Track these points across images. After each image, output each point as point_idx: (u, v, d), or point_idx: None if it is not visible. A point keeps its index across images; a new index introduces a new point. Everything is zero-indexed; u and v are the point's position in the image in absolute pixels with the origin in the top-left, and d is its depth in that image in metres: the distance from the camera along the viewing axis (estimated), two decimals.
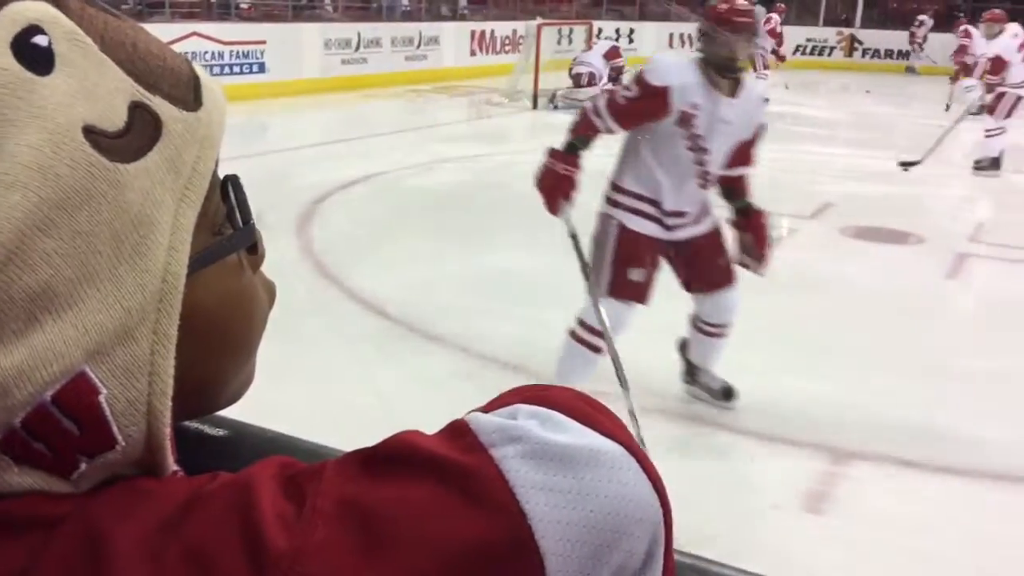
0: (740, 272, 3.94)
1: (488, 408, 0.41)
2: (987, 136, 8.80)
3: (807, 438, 3.28)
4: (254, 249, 0.45)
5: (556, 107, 12.37)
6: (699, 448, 3.25)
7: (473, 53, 16.57)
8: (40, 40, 0.35)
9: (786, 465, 3.14)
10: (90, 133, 0.35)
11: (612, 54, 12.84)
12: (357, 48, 13.71)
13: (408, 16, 16.41)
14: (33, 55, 0.35)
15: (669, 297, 4.75)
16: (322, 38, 13.25)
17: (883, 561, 2.63)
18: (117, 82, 0.37)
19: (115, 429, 0.37)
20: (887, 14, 21.93)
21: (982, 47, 12.88)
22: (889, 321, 4.55)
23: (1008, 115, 8.69)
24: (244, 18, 13.55)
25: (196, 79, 0.41)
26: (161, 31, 11.69)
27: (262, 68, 12.32)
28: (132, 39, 0.39)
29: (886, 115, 12.88)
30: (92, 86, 0.36)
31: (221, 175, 0.45)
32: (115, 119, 0.36)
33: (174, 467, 0.40)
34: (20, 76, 0.34)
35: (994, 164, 8.75)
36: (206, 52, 11.61)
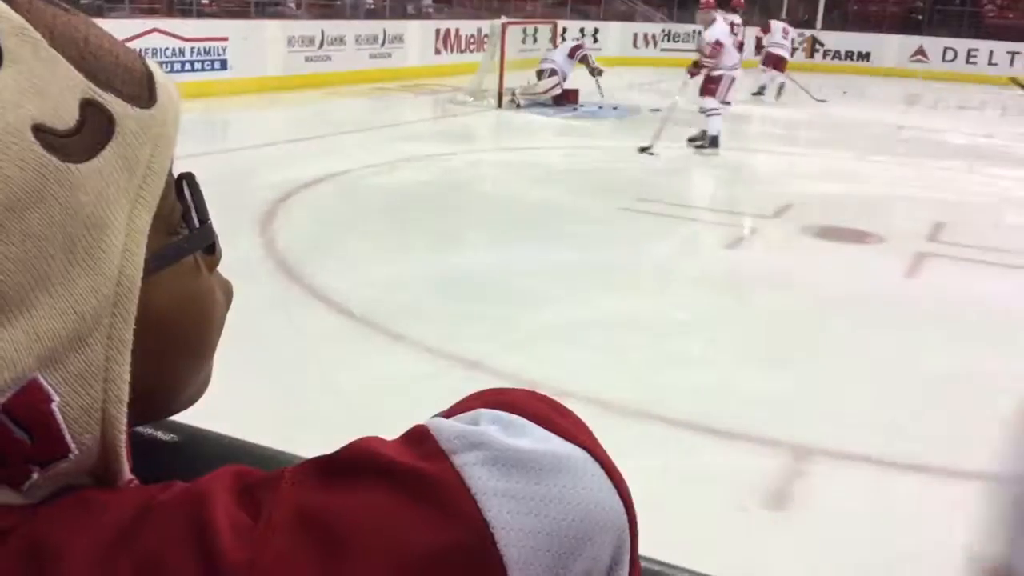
0: (705, 274, 3.99)
1: (450, 413, 0.40)
2: (708, 116, 9.40)
3: (768, 435, 3.31)
4: (211, 249, 0.44)
5: (519, 105, 12.39)
6: (658, 445, 3.27)
7: (438, 52, 16.52)
8: None
9: (747, 463, 3.17)
10: (40, 132, 0.34)
11: (574, 52, 12.92)
12: (321, 45, 13.62)
13: (372, 14, 16.32)
14: None
15: (609, 325, 4.77)
16: (285, 35, 13.14)
17: (846, 558, 2.66)
18: (68, 79, 0.36)
19: (68, 437, 0.36)
20: (848, 16, 22.19)
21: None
22: (850, 319, 4.61)
23: (725, 95, 9.43)
24: (205, 14, 13.38)
25: (150, 75, 0.40)
26: (120, 27, 11.55)
27: (224, 65, 12.19)
28: (84, 34, 0.38)
29: (846, 116, 13.03)
30: (42, 83, 0.35)
31: (177, 173, 0.44)
32: (66, 117, 0.35)
33: (129, 475, 0.39)
34: None
35: (713, 143, 9.29)
36: (167, 49, 11.46)
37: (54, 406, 0.35)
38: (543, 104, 12.49)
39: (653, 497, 3.10)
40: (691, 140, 9.48)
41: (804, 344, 4.25)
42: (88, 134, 0.36)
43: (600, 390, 3.62)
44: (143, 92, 0.39)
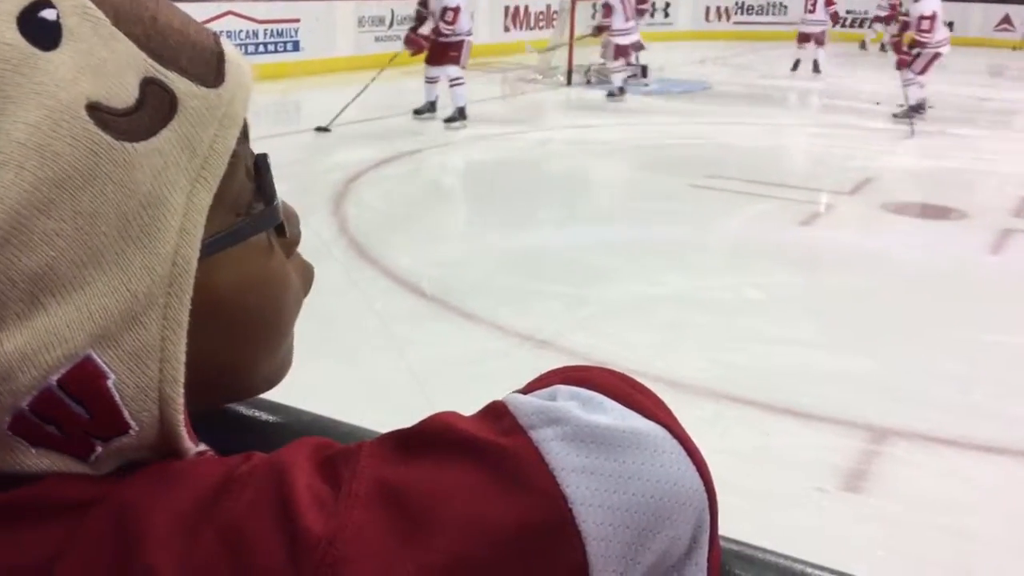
0: (779, 251, 3.91)
1: (528, 389, 0.40)
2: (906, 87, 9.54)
3: (845, 416, 3.24)
4: (281, 231, 0.43)
5: (590, 82, 12.28)
6: (734, 425, 3.23)
7: (507, 29, 16.47)
8: (48, 14, 0.34)
9: (823, 443, 3.11)
10: (95, 110, 0.34)
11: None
12: (391, 25, 13.69)
13: None
14: (39, 29, 0.34)
15: (680, 303, 4.73)
16: (356, 16, 13.24)
17: (921, 540, 2.60)
18: (129, 57, 0.36)
19: (126, 414, 0.36)
20: None
21: None
22: (930, 298, 4.48)
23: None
24: None
25: (220, 54, 0.40)
26: (196, 10, 11.73)
27: (296, 46, 12.34)
28: (152, 13, 0.38)
29: (928, 88, 12.62)
30: (100, 62, 0.35)
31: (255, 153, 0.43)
32: (124, 96, 0.35)
33: (198, 449, 0.39)
34: (24, 51, 0.33)
35: (916, 110, 9.49)
36: (241, 31, 11.65)
37: (110, 383, 0.35)
38: (605, 80, 12.35)
39: (726, 477, 3.07)
40: (896, 116, 9.60)
41: (882, 323, 4.15)
42: (148, 113, 0.35)
43: (671, 369, 3.59)
44: (211, 71, 0.39)
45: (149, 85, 0.36)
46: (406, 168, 7.24)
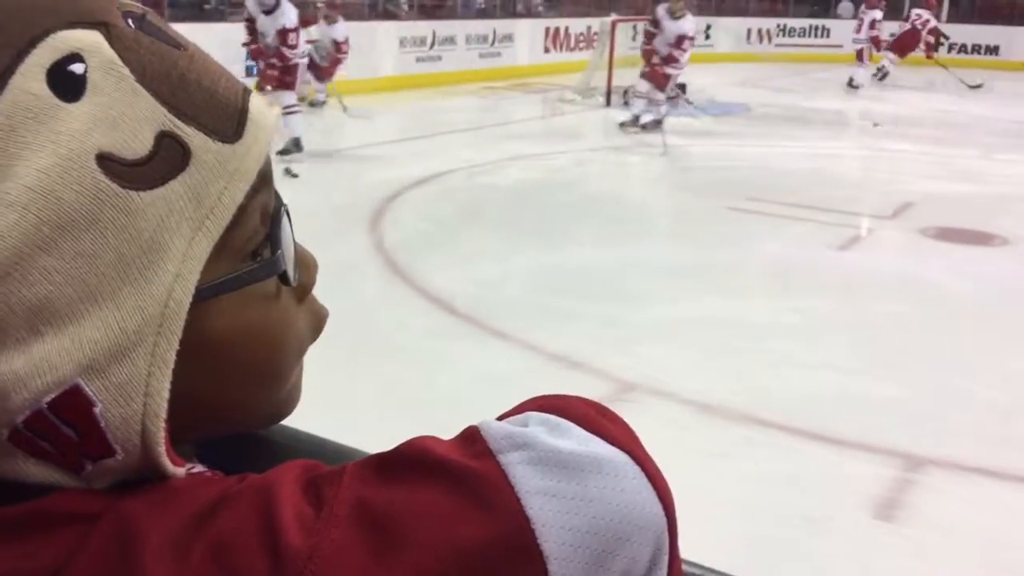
0: (816, 276, 3.86)
1: (505, 416, 0.42)
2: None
3: (879, 443, 3.20)
4: (285, 280, 0.44)
5: (627, 104, 12.28)
6: (761, 449, 3.20)
7: (547, 50, 16.55)
8: (76, 68, 0.37)
9: (856, 471, 3.07)
10: (104, 160, 0.36)
11: None
12: (432, 46, 13.83)
13: (483, 14, 16.48)
14: (66, 82, 0.36)
15: (715, 326, 4.70)
16: (397, 36, 13.39)
17: (956, 572, 2.55)
18: (147, 111, 0.38)
19: (111, 439, 0.38)
20: (975, 8, 21.20)
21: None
22: (969, 325, 4.41)
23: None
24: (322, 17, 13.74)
25: (243, 111, 0.42)
26: (241, 30, 11.96)
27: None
28: (181, 70, 0.40)
29: (972, 112, 12.47)
30: (117, 115, 0.37)
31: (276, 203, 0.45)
32: (137, 147, 0.37)
33: (190, 468, 0.41)
34: (47, 102, 0.36)
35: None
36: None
37: (96, 411, 0.37)
38: (653, 102, 12.34)
39: (756, 503, 3.05)
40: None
41: (920, 350, 4.09)
42: (159, 164, 0.38)
43: (703, 391, 3.58)
44: (230, 127, 0.41)
45: (165, 138, 0.38)
46: (444, 187, 7.29)
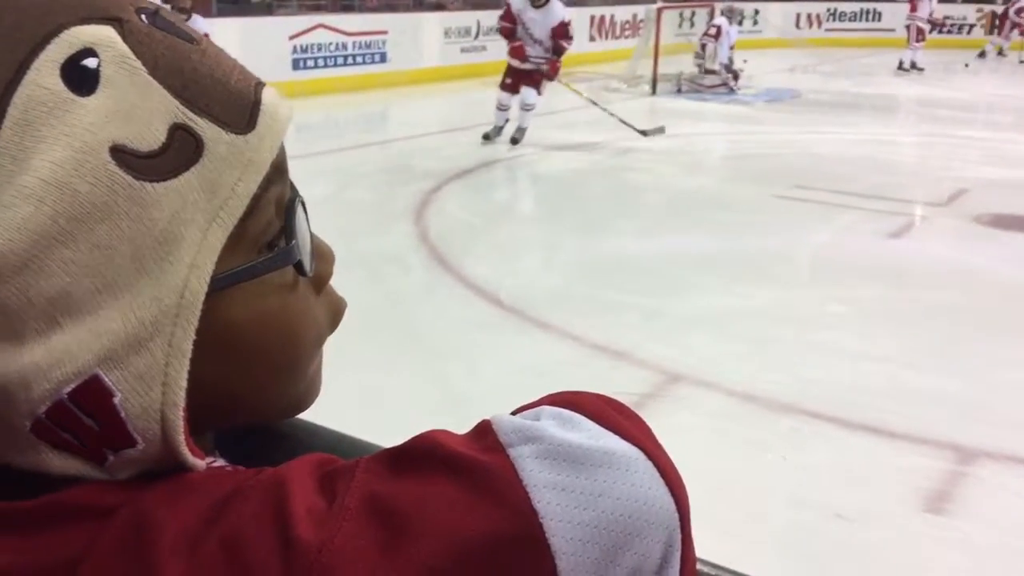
0: (866, 264, 3.78)
1: (520, 410, 0.42)
2: None
3: (931, 435, 3.14)
4: (300, 270, 0.44)
5: (680, 90, 12.19)
6: (808, 441, 3.16)
7: (592, 39, 16.45)
8: (90, 62, 0.37)
9: (906, 463, 3.01)
10: (118, 152, 0.37)
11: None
12: (476, 36, 13.82)
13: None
14: (80, 76, 0.37)
15: (762, 316, 4.63)
16: (442, 27, 13.42)
17: (1008, 566, 2.50)
18: (160, 104, 0.38)
19: (131, 429, 0.39)
20: None
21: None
22: (1023, 315, 4.31)
23: None
24: (367, 9, 13.83)
25: (256, 103, 0.42)
26: (288, 24, 12.07)
27: (384, 58, 12.56)
28: (193, 63, 0.40)
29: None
30: (130, 107, 0.37)
31: (292, 195, 0.45)
32: (150, 139, 0.38)
33: (209, 461, 0.42)
34: (61, 96, 0.36)
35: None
36: (331, 44, 11.92)
37: (116, 401, 0.38)
38: (695, 90, 12.26)
39: (802, 495, 3.01)
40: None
41: (972, 340, 4.01)
42: (172, 156, 0.38)
43: (749, 382, 3.54)
44: (243, 119, 0.41)
45: (178, 131, 0.39)
46: (488, 178, 7.30)
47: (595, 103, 8.90)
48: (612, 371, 3.67)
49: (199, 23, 7.12)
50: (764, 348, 3.93)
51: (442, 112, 11.13)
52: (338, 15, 12.75)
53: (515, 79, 8.19)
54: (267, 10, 12.52)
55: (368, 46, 12.39)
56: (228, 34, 10.41)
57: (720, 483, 2.87)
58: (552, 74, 8.09)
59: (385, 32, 12.53)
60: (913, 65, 14.55)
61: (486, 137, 8.29)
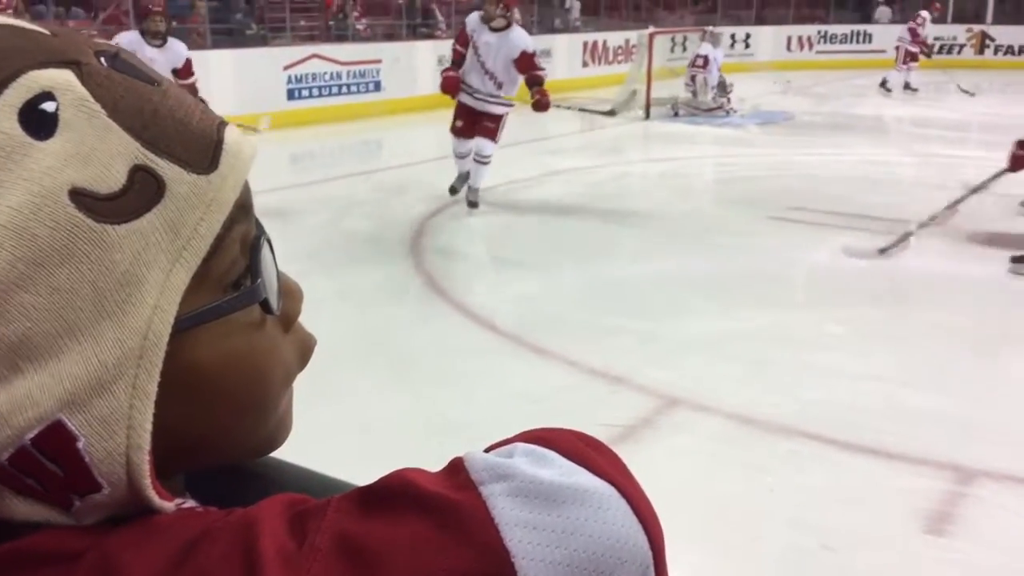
0: (861, 285, 3.79)
1: (493, 447, 0.42)
2: None
3: (930, 455, 3.13)
4: (267, 308, 0.44)
5: (676, 114, 12.25)
6: (807, 463, 3.14)
7: (585, 64, 16.57)
8: (48, 106, 0.37)
9: (906, 484, 3.00)
10: (78, 195, 0.36)
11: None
12: None
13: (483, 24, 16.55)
14: (38, 120, 0.37)
15: (758, 338, 4.63)
16: (435, 55, 13.49)
17: None
18: (120, 146, 0.38)
19: (96, 474, 0.38)
20: (1021, 9, 20.84)
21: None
22: (1020, 333, 4.30)
23: None
24: (361, 38, 13.91)
25: (218, 143, 0.42)
26: (283, 54, 12.14)
27: (378, 87, 12.63)
28: (153, 106, 0.40)
29: (1018, 115, 12.23)
30: (89, 150, 0.37)
31: (257, 232, 0.45)
32: (110, 182, 0.37)
33: (179, 502, 0.41)
34: (19, 140, 0.36)
35: None
36: (325, 73, 11.98)
37: (80, 446, 0.37)
38: (692, 113, 12.33)
39: (803, 518, 2.98)
40: None
41: (970, 360, 4.00)
42: (133, 197, 0.38)
43: (747, 405, 3.53)
44: (204, 159, 0.41)
45: (138, 172, 0.38)
46: (483, 203, 7.31)
47: (568, 107, 7.98)
48: (610, 396, 3.66)
49: (177, 47, 6.58)
50: (762, 370, 3.92)
51: (437, 139, 11.15)
52: (332, 45, 12.82)
53: (467, 122, 6.77)
54: (261, 41, 12.59)
55: (362, 75, 12.46)
56: (223, 66, 10.48)
57: (719, 506, 2.85)
58: (544, 105, 6.58)
59: (379, 61, 12.60)
60: (907, 85, 14.63)
61: (453, 191, 7.02)
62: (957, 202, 6.23)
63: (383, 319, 4.61)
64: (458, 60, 6.76)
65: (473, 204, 6.87)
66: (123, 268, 0.37)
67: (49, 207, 0.36)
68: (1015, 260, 5.73)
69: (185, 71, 6.60)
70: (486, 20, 6.46)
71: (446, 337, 4.38)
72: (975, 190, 6.25)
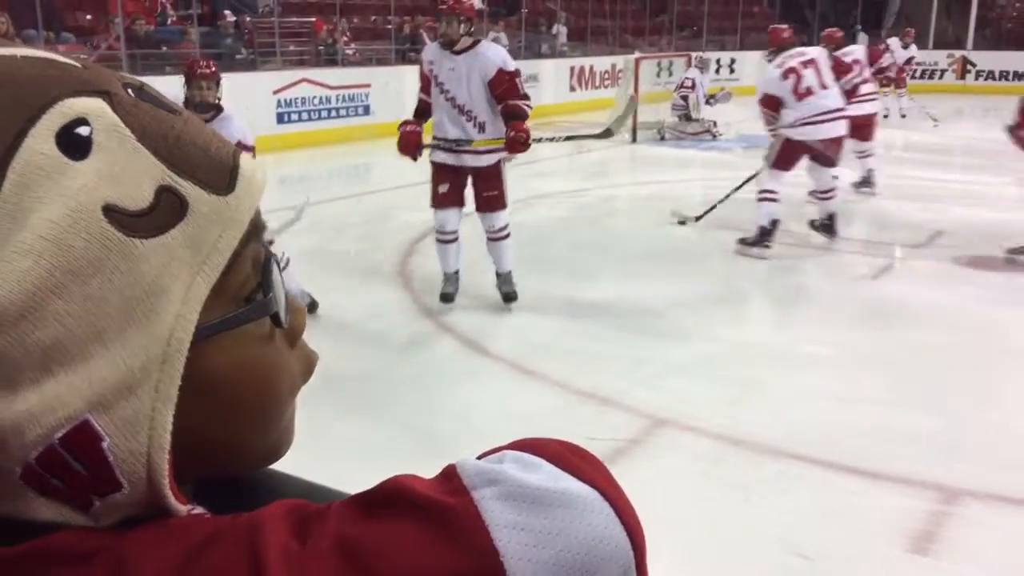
0: (847, 306, 3.82)
1: (484, 455, 0.45)
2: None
3: (914, 475, 3.16)
4: (277, 321, 0.47)
5: (663, 138, 12.36)
6: (793, 484, 3.17)
7: (572, 89, 16.69)
8: (82, 130, 0.40)
9: (891, 504, 3.03)
10: (110, 211, 0.40)
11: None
12: None
13: (508, 55, 16.65)
14: (74, 143, 0.40)
15: (745, 360, 4.64)
16: None
17: None
18: (148, 167, 0.41)
19: (118, 474, 0.41)
20: (1001, 35, 21.13)
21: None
22: (1005, 354, 4.36)
23: None
24: (350, 63, 13.98)
25: (234, 168, 0.45)
26: (273, 79, 12.18)
27: (367, 111, 12.69)
28: (177, 132, 0.44)
29: (1000, 139, 12.36)
30: (120, 171, 0.40)
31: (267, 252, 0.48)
32: (139, 199, 0.41)
33: (189, 509, 0.44)
34: (56, 161, 0.39)
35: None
36: (315, 97, 12.04)
37: (105, 445, 0.40)
38: (679, 137, 12.44)
39: (789, 538, 3.00)
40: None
41: (954, 380, 4.04)
42: (159, 215, 0.41)
43: (734, 425, 3.56)
44: (223, 182, 0.44)
45: (164, 192, 0.42)
46: (470, 227, 7.33)
47: (552, 138, 6.29)
48: (598, 417, 3.68)
49: (231, 126, 4.31)
50: (748, 391, 3.96)
51: (425, 163, 11.20)
52: (321, 69, 12.89)
53: (454, 185, 5.01)
54: (251, 65, 12.64)
55: (351, 99, 12.52)
56: None
57: (707, 527, 2.87)
58: (519, 143, 4.78)
59: (368, 85, 12.67)
60: (900, 111, 14.67)
61: (446, 298, 5.07)
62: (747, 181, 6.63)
63: (372, 341, 4.62)
64: (424, 109, 5.18)
65: (511, 297, 5.08)
66: (150, 279, 0.40)
67: (85, 221, 0.39)
68: (1012, 251, 5.88)
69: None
70: (448, 44, 4.83)
71: (435, 359, 4.40)
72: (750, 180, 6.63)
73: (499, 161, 4.97)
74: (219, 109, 4.54)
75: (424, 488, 0.41)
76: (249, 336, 0.45)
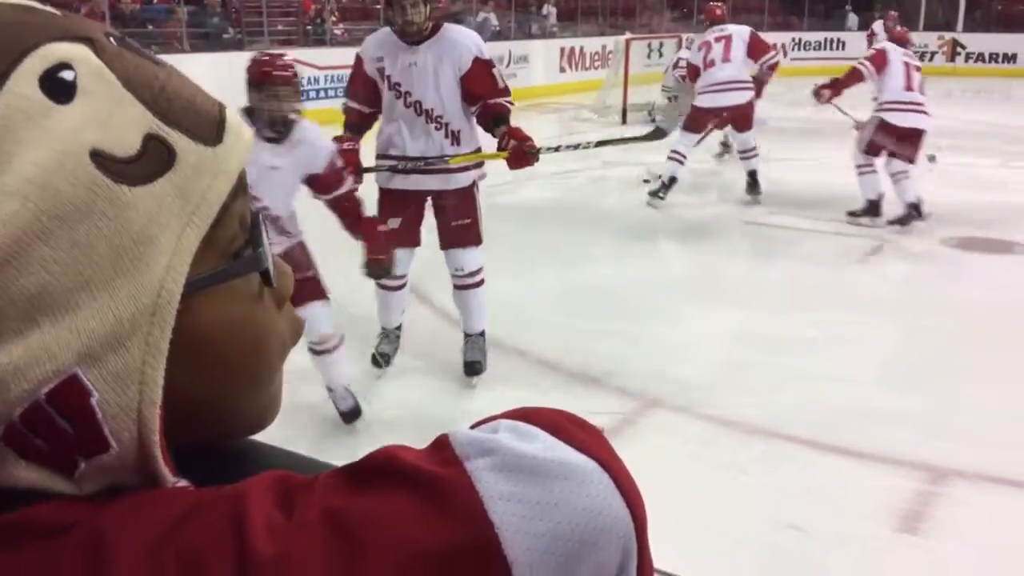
0: (836, 288, 3.83)
1: (478, 424, 0.43)
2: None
3: (901, 456, 3.18)
4: (267, 279, 0.46)
5: (653, 120, 12.32)
6: (782, 464, 3.18)
7: (563, 70, 16.62)
8: (66, 75, 0.39)
9: (879, 483, 3.05)
10: (97, 156, 0.38)
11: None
12: None
13: (498, 35, 16.58)
14: (57, 87, 0.38)
15: (734, 341, 4.67)
16: None
17: None
18: (134, 114, 0.40)
19: (107, 431, 0.39)
20: (991, 17, 21.14)
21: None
22: (993, 334, 4.38)
23: None
24: (339, 43, 13.89)
25: (221, 121, 0.44)
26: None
27: None
28: (161, 82, 0.42)
29: (989, 120, 12.40)
30: (107, 116, 0.39)
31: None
32: (127, 146, 0.39)
33: (175, 480, 0.42)
34: (39, 104, 0.38)
35: None
36: (304, 78, 11.90)
37: (93, 401, 0.38)
38: (676, 121, 12.41)
39: (777, 517, 3.02)
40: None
41: (942, 361, 4.06)
42: (147, 163, 0.40)
43: (724, 407, 3.57)
44: (210, 133, 0.43)
45: (151, 140, 0.40)
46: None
47: (577, 146, 5.74)
48: (590, 398, 3.69)
49: (310, 150, 3.27)
50: (739, 372, 3.97)
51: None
52: (309, 49, 12.79)
53: (409, 219, 4.07)
54: (238, 45, 12.55)
55: (340, 79, 12.42)
56: (200, 69, 10.42)
57: (697, 506, 2.89)
58: (523, 157, 4.05)
59: None
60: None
61: (382, 360, 3.91)
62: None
63: (365, 325, 4.61)
64: (356, 123, 4.06)
65: (477, 368, 3.89)
66: (138, 227, 0.39)
67: (71, 164, 0.38)
68: (851, 214, 6.51)
69: (332, 177, 3.54)
70: (404, 33, 3.71)
71: (427, 342, 4.39)
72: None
73: (475, 182, 4.08)
74: (291, 128, 3.34)
75: (415, 458, 0.39)
76: (239, 293, 0.44)
